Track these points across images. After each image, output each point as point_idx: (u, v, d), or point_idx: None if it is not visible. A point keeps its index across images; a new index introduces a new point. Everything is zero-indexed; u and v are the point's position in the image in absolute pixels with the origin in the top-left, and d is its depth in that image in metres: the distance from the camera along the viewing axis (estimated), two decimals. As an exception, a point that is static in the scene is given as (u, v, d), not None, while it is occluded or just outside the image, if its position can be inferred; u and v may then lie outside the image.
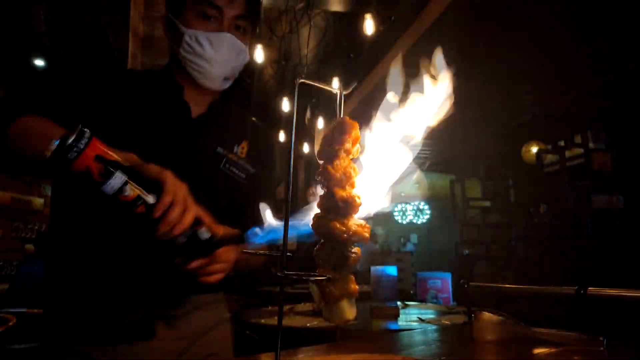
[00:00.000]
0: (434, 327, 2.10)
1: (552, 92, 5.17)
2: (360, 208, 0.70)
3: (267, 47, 4.19)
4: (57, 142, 0.73)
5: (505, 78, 4.76)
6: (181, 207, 0.83)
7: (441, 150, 7.89)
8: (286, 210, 0.69)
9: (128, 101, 1.10)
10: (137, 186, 0.79)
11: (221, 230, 0.88)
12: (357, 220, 0.71)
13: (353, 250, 0.70)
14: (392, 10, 3.58)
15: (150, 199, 0.80)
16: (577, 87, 4.85)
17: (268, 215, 0.83)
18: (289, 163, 0.69)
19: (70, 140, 0.73)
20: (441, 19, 3.42)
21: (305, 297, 3.03)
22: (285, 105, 5.11)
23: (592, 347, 0.99)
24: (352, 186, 0.71)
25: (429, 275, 11.33)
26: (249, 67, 4.65)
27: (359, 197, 0.71)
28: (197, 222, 0.85)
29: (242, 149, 1.23)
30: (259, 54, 3.94)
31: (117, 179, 0.76)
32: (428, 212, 13.30)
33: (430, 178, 11.19)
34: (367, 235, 0.71)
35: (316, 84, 0.76)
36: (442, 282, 10.27)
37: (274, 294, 4.16)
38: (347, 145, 0.71)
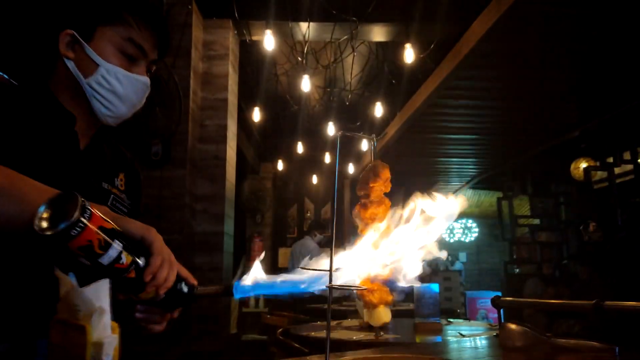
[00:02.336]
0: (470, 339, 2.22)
1: (601, 108, 5.15)
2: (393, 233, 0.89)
3: (313, 75, 4.45)
4: (52, 217, 0.66)
5: (550, 95, 4.81)
6: (168, 267, 0.81)
7: (489, 167, 7.88)
8: (332, 235, 0.88)
9: (12, 124, 0.95)
10: (130, 252, 0.75)
11: (196, 281, 0.88)
12: (392, 245, 0.89)
13: (389, 267, 0.89)
14: (432, 37, 3.75)
15: (141, 262, 0.77)
16: (625, 102, 4.83)
17: (257, 269, 0.88)
18: (333, 203, 0.88)
19: (75, 214, 0.66)
20: (481, 43, 3.56)
21: (352, 314, 3.17)
22: (331, 129, 5.33)
23: (606, 355, 1.12)
24: (385, 216, 0.90)
25: (479, 294, 11.13)
26: (296, 93, 4.93)
27: (390, 225, 0.90)
28: (177, 277, 0.84)
29: (121, 181, 1.17)
30: (306, 83, 4.20)
31: (115, 248, 0.72)
32: (476, 230, 13.12)
33: (478, 195, 11.09)
34: (400, 254, 0.90)
35: (355, 134, 0.96)
36: (492, 301, 9.88)
37: (321, 310, 4.30)
38: (379, 184, 0.91)
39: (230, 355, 3.60)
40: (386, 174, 0.85)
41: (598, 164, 6.02)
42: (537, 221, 8.10)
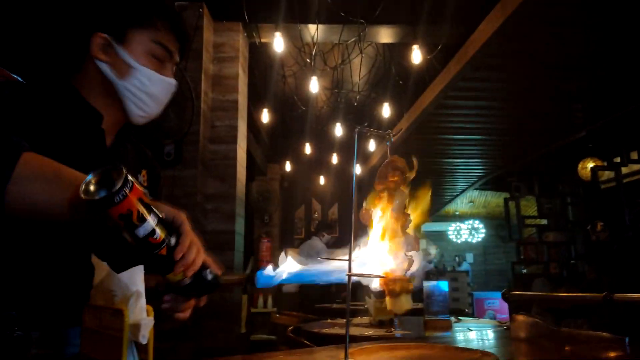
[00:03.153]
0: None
1: (608, 108, 5.17)
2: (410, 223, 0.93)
3: (321, 77, 4.49)
4: (98, 184, 0.71)
5: (557, 96, 4.83)
6: (196, 250, 0.84)
7: (495, 168, 7.89)
8: (353, 225, 0.92)
9: (43, 122, 0.99)
10: (163, 228, 0.79)
11: (219, 270, 0.93)
12: (410, 234, 0.94)
13: (409, 255, 0.93)
14: (439, 39, 3.79)
15: (172, 241, 0.81)
16: (633, 102, 4.85)
17: (286, 259, 0.93)
18: (353, 196, 0.93)
19: (120, 182, 0.70)
20: (487, 44, 3.59)
21: (362, 313, 3.21)
22: (338, 130, 5.37)
23: (615, 345, 1.15)
24: (404, 208, 0.94)
25: (486, 295, 11.10)
26: (304, 94, 4.98)
27: (409, 216, 0.94)
28: (203, 264, 0.88)
29: (143, 177, 1.23)
30: (314, 84, 4.24)
31: (152, 221, 0.76)
32: (483, 230, 13.12)
33: (485, 196, 11.10)
34: (417, 244, 0.94)
35: (372, 131, 0.99)
36: (500, 302, 10.06)
37: (329, 310, 4.33)
38: (398, 179, 0.95)
39: (241, 353, 3.64)
40: (405, 167, 0.89)
41: (605, 164, 6.03)
42: (544, 221, 8.11)
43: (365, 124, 5.48)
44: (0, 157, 0.77)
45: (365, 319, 3.03)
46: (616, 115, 5.18)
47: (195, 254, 0.84)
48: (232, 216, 3.38)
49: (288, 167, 7.39)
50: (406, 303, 0.91)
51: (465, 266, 12.61)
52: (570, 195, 7.70)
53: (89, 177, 0.73)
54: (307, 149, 6.30)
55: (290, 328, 3.18)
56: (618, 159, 5.77)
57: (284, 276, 0.98)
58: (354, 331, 2.51)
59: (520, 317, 1.30)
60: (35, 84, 1.04)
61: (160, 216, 0.79)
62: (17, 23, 2.44)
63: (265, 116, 5.02)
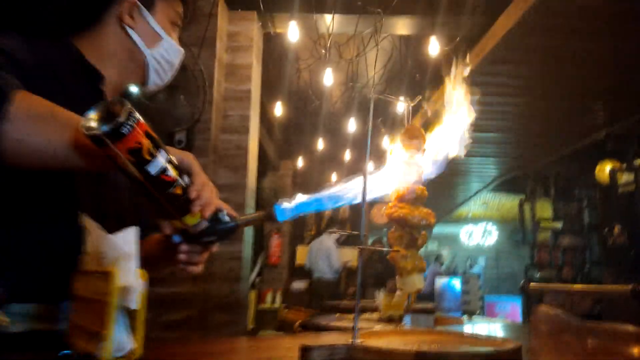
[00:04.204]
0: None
1: (628, 109, 5.03)
2: (425, 198, 0.87)
3: (335, 70, 4.43)
4: (101, 119, 0.65)
5: (576, 95, 4.71)
6: (211, 187, 0.82)
7: (510, 169, 7.76)
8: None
9: (45, 83, 0.93)
10: (174, 166, 0.75)
11: (235, 212, 0.90)
12: (423, 209, 0.87)
13: (421, 233, 0.87)
14: (457, 31, 3.70)
15: (185, 180, 0.77)
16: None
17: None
18: (364, 175, 0.86)
19: (125, 113, 0.65)
20: (507, 37, 3.50)
21: (372, 311, 3.14)
22: (352, 125, 5.30)
23: (643, 338, 1.07)
24: (420, 180, 0.88)
25: (498, 299, 10.97)
26: (318, 88, 4.92)
27: (424, 190, 0.88)
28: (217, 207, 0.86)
29: None
30: (329, 77, 4.18)
31: (162, 157, 0.72)
32: (496, 234, 12.94)
33: (499, 198, 10.95)
34: (432, 220, 0.87)
35: (388, 97, 0.93)
36: (512, 306, 9.93)
37: (338, 306, 4.26)
38: (415, 146, 0.88)
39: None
40: (423, 137, 0.83)
41: (624, 166, 5.87)
42: (559, 225, 7.96)
43: (380, 119, 5.42)
44: None
45: (375, 315, 2.96)
46: (637, 116, 5.04)
47: (209, 193, 0.82)
48: (242, 207, 3.34)
49: (301, 163, 7.34)
50: (418, 282, 0.85)
51: (477, 269, 12.46)
52: (587, 198, 7.55)
53: (90, 112, 0.67)
54: (320, 144, 6.25)
55: (298, 322, 3.13)
56: (638, 162, 5.62)
57: (301, 205, 0.93)
58: (363, 325, 2.45)
59: (543, 309, 1.22)
60: (33, 38, 1.00)
61: (169, 154, 0.75)
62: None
63: (278, 110, 4.98)
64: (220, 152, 3.32)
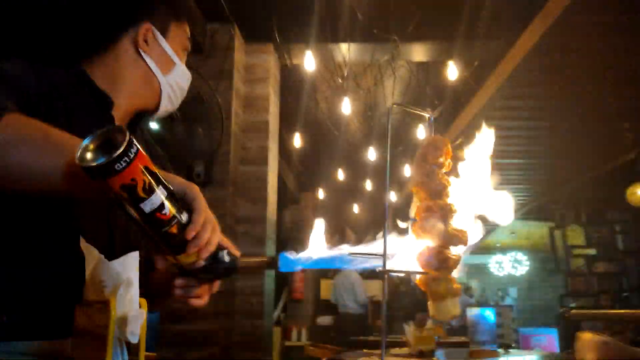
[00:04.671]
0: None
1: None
2: (456, 215, 0.79)
3: (353, 99, 4.41)
4: (98, 149, 0.60)
5: (602, 116, 4.58)
6: (211, 226, 0.76)
7: (538, 196, 7.55)
8: (386, 215, 0.79)
9: (52, 106, 0.92)
10: (174, 204, 0.69)
11: (238, 253, 0.86)
12: (455, 226, 0.79)
13: (453, 252, 0.78)
14: (475, 55, 3.66)
15: (184, 217, 0.71)
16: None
17: (314, 242, 0.84)
18: (386, 186, 0.80)
19: (122, 147, 0.59)
20: (527, 59, 3.44)
21: (400, 345, 3.02)
22: (372, 154, 5.25)
23: None
24: (447, 195, 0.80)
25: (533, 331, 10.54)
26: (337, 118, 4.90)
27: (454, 206, 0.80)
28: (219, 245, 0.81)
29: None
30: (346, 107, 4.16)
31: (160, 194, 0.65)
32: (527, 263, 12.52)
33: (528, 226, 10.63)
34: (465, 238, 0.79)
35: (408, 109, 0.87)
36: (548, 338, 9.50)
37: (365, 342, 4.14)
38: (441, 160, 0.81)
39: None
40: (447, 148, 0.76)
41: (658, 187, 5.65)
42: (593, 251, 7.67)
43: (400, 148, 5.35)
44: None
45: (405, 350, 2.82)
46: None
47: (209, 233, 0.75)
48: (263, 240, 3.28)
49: (321, 194, 7.28)
50: (453, 308, 0.76)
51: (508, 301, 12.02)
52: (619, 222, 7.29)
53: (87, 140, 0.62)
54: (341, 175, 6.19)
55: (324, 359, 3.01)
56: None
57: (309, 260, 0.86)
58: (392, 360, 2.32)
59: (588, 336, 1.11)
60: (40, 64, 0.97)
61: (171, 189, 0.69)
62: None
63: (297, 141, 4.97)
64: (239, 184, 3.29)
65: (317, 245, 0.86)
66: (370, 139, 5.50)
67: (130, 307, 0.59)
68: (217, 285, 0.90)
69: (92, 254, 0.66)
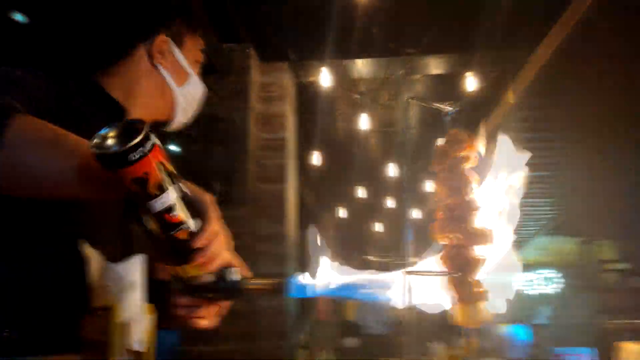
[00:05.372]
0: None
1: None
2: (480, 212, 0.74)
3: (370, 115, 4.39)
4: (113, 139, 0.59)
5: (631, 123, 4.45)
6: (222, 239, 0.73)
7: (565, 210, 7.34)
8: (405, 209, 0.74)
9: (64, 115, 0.89)
10: (185, 208, 0.67)
11: (248, 273, 0.81)
12: (479, 224, 0.74)
13: (478, 253, 0.73)
14: (494, 66, 3.61)
15: (194, 225, 0.68)
16: None
17: (324, 267, 0.81)
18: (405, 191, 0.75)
19: (138, 138, 0.58)
20: (548, 66, 3.37)
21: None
22: (391, 170, 5.19)
23: None
24: (470, 192, 0.75)
25: (568, 351, 10.14)
26: (355, 135, 4.88)
27: (477, 202, 0.75)
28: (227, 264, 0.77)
29: None
30: (364, 122, 4.13)
31: (171, 194, 0.63)
32: (557, 280, 12.15)
33: (557, 242, 10.34)
34: (490, 236, 0.74)
35: (426, 104, 0.84)
36: (584, 358, 9.08)
37: None
38: (463, 154, 0.77)
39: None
40: (470, 142, 0.71)
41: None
42: (626, 266, 7.40)
43: (420, 163, 5.28)
44: None
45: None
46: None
47: (218, 245, 0.71)
48: (283, 258, 3.23)
49: (341, 213, 7.22)
50: (480, 312, 0.70)
51: (541, 320, 11.64)
52: (654, 234, 7.01)
53: (104, 130, 0.60)
54: (360, 193, 6.13)
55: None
56: None
57: (322, 287, 0.81)
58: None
59: (628, 345, 1.03)
60: (53, 74, 0.97)
61: (185, 191, 0.66)
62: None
63: (315, 160, 4.95)
64: (258, 203, 3.27)
65: (331, 270, 0.82)
66: (388, 155, 5.45)
67: (134, 311, 0.56)
68: (224, 306, 0.85)
69: (95, 258, 0.63)
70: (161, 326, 1.04)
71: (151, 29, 1.04)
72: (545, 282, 12.49)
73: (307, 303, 7.06)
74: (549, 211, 7.46)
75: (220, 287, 0.74)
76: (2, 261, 0.81)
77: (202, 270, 0.70)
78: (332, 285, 0.82)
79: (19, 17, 2.93)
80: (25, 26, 3.02)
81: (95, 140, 0.59)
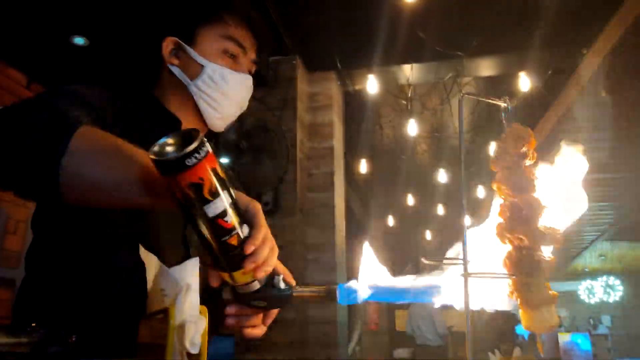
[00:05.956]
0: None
1: None
2: (545, 210, 0.69)
3: (420, 121, 4.32)
4: (170, 146, 0.62)
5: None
6: (271, 245, 0.73)
7: (628, 214, 6.94)
8: (463, 208, 0.70)
9: (125, 128, 0.94)
10: (237, 214, 0.68)
11: (294, 281, 0.80)
12: (544, 223, 0.69)
13: (544, 254, 0.69)
14: (548, 64, 3.47)
15: (244, 231, 0.69)
16: None
17: (371, 274, 0.78)
18: (460, 166, 0.72)
19: (194, 144, 0.61)
20: (606, 63, 3.21)
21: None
22: (442, 176, 5.08)
23: None
24: (533, 190, 0.71)
25: (633, 363, 9.49)
26: (403, 142, 4.81)
27: (542, 201, 0.70)
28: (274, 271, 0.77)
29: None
30: (412, 128, 4.07)
31: (224, 200, 0.65)
32: (621, 288, 11.50)
33: (619, 248, 9.80)
34: (558, 237, 0.69)
35: (481, 98, 0.80)
36: (651, 371, 8.48)
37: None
38: (524, 150, 0.72)
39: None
40: (531, 137, 0.67)
41: None
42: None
43: (472, 169, 5.14)
44: (55, 129, 0.69)
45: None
46: None
47: (267, 253, 0.70)
48: (333, 266, 3.21)
49: (391, 221, 7.12)
50: (549, 317, 0.66)
51: (602, 329, 11.03)
52: None
53: (163, 139, 0.63)
54: (410, 200, 6.04)
55: None
56: None
57: (371, 291, 0.79)
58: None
59: None
60: (114, 90, 1.01)
61: (235, 198, 0.67)
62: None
63: (363, 167, 4.92)
64: (307, 211, 3.28)
65: (380, 275, 0.80)
66: (439, 161, 5.34)
67: (190, 313, 0.55)
68: (273, 315, 0.85)
69: (151, 263, 0.63)
70: (214, 333, 1.06)
71: (158, 37, 1.06)
72: (608, 290, 11.84)
73: (357, 313, 7.00)
74: (609, 216, 7.07)
75: (268, 295, 0.75)
76: (67, 268, 0.84)
77: (251, 278, 0.71)
78: (382, 292, 0.80)
79: (79, 40, 3.12)
80: (85, 48, 3.20)
81: (154, 149, 0.62)
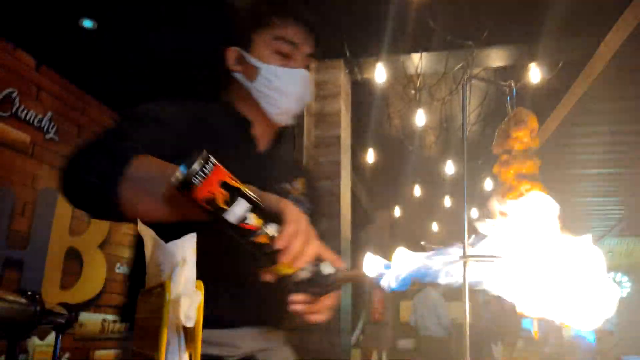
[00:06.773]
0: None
1: None
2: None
3: (428, 112, 4.29)
4: (183, 168, 0.69)
5: None
6: (304, 237, 0.77)
7: (635, 209, 6.88)
8: (464, 197, 0.70)
9: (200, 136, 1.07)
10: (259, 215, 0.74)
11: (341, 264, 0.85)
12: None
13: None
14: (559, 55, 3.42)
15: (272, 229, 0.75)
16: None
17: (402, 259, 0.81)
18: (464, 155, 0.71)
19: (196, 165, 0.68)
20: (619, 54, 3.16)
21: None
22: (450, 168, 5.05)
23: None
24: (536, 171, 0.70)
25: None
26: (411, 133, 4.79)
27: (542, 187, 0.70)
28: (318, 257, 0.82)
29: (301, 185, 1.25)
30: (420, 119, 4.04)
31: (241, 205, 0.72)
32: (628, 284, 11.44)
33: (626, 244, 9.74)
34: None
35: (485, 80, 0.79)
36: (658, 368, 8.47)
37: None
38: (524, 134, 0.72)
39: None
40: (533, 121, 0.66)
41: None
42: None
43: (480, 162, 5.11)
44: (115, 158, 0.84)
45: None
46: None
47: (301, 243, 0.77)
48: (337, 255, 3.21)
49: (398, 212, 7.11)
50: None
51: (608, 326, 10.98)
52: None
53: (181, 168, 0.71)
54: (417, 191, 6.02)
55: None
56: None
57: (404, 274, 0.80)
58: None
59: None
60: (184, 99, 1.14)
61: (255, 201, 0.74)
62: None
63: (370, 157, 4.90)
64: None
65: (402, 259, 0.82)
66: (447, 152, 5.31)
67: (185, 288, 0.56)
68: (330, 299, 0.92)
69: (148, 237, 0.64)
70: (286, 327, 1.20)
71: (220, 50, 1.20)
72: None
73: (362, 303, 7.02)
74: (618, 210, 7.03)
75: (316, 282, 0.80)
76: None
77: (292, 268, 0.77)
78: (414, 272, 0.81)
79: (88, 23, 3.13)
80: (94, 32, 3.21)
81: (172, 179, 0.70)
